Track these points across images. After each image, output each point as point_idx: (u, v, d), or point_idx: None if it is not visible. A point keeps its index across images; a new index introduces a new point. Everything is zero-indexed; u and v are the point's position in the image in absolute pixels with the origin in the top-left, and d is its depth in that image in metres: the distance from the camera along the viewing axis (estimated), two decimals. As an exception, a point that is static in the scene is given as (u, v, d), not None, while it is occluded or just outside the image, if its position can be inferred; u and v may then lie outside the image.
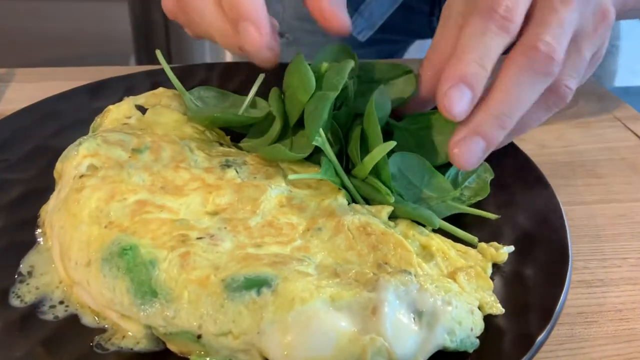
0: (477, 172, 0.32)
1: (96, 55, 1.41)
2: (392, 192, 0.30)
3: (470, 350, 0.24)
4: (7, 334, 0.24)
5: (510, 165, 0.33)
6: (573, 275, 0.29)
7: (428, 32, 0.64)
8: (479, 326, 0.24)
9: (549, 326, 0.24)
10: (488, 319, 0.25)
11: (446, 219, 0.30)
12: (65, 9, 1.71)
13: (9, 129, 0.36)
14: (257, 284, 0.23)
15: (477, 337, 0.24)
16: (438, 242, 0.28)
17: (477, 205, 0.31)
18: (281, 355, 0.23)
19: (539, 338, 0.24)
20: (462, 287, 0.26)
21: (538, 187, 0.32)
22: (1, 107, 0.41)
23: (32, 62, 0.81)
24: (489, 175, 0.32)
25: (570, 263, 0.27)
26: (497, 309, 0.25)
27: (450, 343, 0.23)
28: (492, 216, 0.30)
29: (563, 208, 0.30)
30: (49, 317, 0.25)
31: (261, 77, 0.35)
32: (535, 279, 0.27)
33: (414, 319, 0.23)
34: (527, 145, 0.39)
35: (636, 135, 0.41)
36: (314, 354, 0.22)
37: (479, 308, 0.25)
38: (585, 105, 0.44)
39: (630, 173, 0.37)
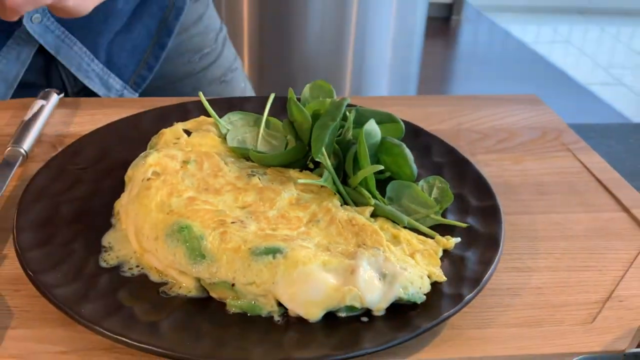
0: (436, 185, 0.45)
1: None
2: (374, 197, 0.43)
3: (419, 302, 0.36)
4: (100, 283, 0.37)
5: (469, 182, 0.46)
6: (507, 263, 0.42)
7: None
8: (426, 287, 0.37)
9: (476, 290, 0.37)
10: (434, 284, 0.37)
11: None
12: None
13: (85, 144, 0.49)
14: (272, 251, 0.36)
15: (425, 295, 0.36)
16: (405, 233, 0.41)
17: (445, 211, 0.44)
18: (288, 299, 0.35)
19: (467, 297, 0.36)
20: (417, 262, 0.38)
21: (486, 198, 0.44)
22: (72, 130, 0.55)
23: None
24: (444, 185, 0.45)
25: (500, 251, 0.40)
26: (441, 278, 0.38)
27: (404, 295, 0.36)
28: (462, 225, 0.43)
29: (504, 214, 0.43)
30: (127, 275, 0.38)
31: (272, 96, 0.49)
32: (472, 260, 0.39)
33: (379, 278, 0.36)
34: (491, 169, 0.52)
35: (582, 163, 0.53)
36: (310, 299, 0.35)
37: (428, 277, 0.37)
38: (546, 138, 0.57)
39: (571, 192, 0.50)
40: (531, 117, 0.60)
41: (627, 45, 4.04)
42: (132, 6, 0.69)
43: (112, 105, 0.59)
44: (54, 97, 0.57)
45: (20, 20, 0.62)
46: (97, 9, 0.52)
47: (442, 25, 3.83)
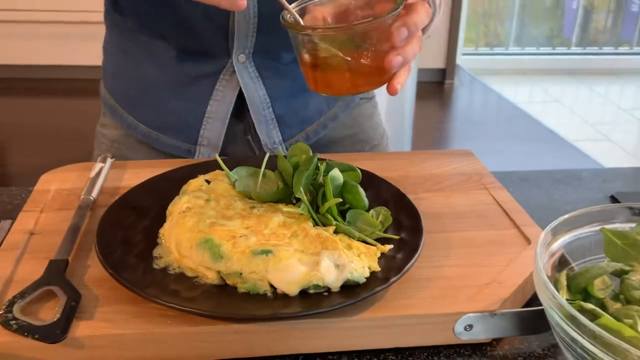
0: (381, 212, 0.66)
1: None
2: (336, 220, 0.64)
3: (360, 282, 0.57)
4: (156, 277, 0.58)
5: (404, 210, 0.67)
6: (426, 262, 0.62)
7: None
8: (366, 274, 0.57)
9: (399, 275, 0.57)
10: (373, 272, 0.58)
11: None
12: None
13: (135, 192, 0.71)
14: (266, 252, 0.57)
15: (365, 278, 0.57)
16: (356, 243, 0.62)
17: (386, 229, 0.65)
18: (276, 282, 0.56)
19: (392, 279, 0.57)
20: (361, 259, 0.59)
21: (415, 220, 0.66)
22: (123, 183, 0.77)
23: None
24: (387, 212, 0.66)
25: (418, 252, 0.60)
26: (377, 268, 0.58)
27: (351, 277, 0.56)
28: (395, 237, 0.64)
29: (425, 231, 0.64)
30: (172, 272, 0.59)
31: (267, 155, 0.71)
32: (399, 259, 0.60)
33: (335, 267, 0.57)
34: (425, 202, 0.73)
35: (493, 197, 0.75)
36: (290, 280, 0.56)
37: (368, 268, 0.58)
38: (470, 180, 0.79)
39: (480, 217, 0.71)
40: (462, 166, 0.82)
41: (616, 103, 4.29)
42: None
43: (150, 165, 0.82)
44: (109, 161, 0.79)
45: (228, 62, 0.85)
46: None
47: (437, 89, 4.12)
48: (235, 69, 0.85)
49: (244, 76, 0.86)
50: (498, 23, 5.03)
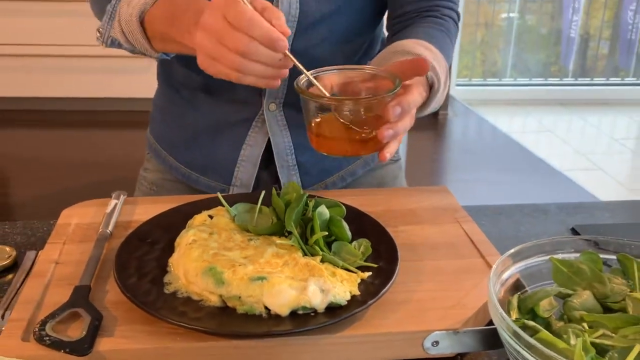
0: (362, 244, 0.76)
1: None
2: (322, 251, 0.74)
3: (342, 304, 0.66)
4: (166, 300, 0.68)
5: (383, 242, 0.77)
6: (400, 287, 0.72)
7: None
8: (347, 297, 0.67)
9: (375, 298, 0.67)
10: (353, 296, 0.68)
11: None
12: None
13: (147, 226, 0.81)
14: (261, 278, 0.67)
15: (346, 301, 0.67)
16: (339, 271, 0.72)
17: (367, 258, 0.75)
18: (270, 304, 0.66)
19: (370, 302, 0.67)
20: (343, 284, 0.69)
21: (392, 251, 0.76)
22: (135, 217, 0.87)
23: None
24: (367, 244, 0.76)
25: (393, 279, 0.70)
26: (356, 292, 0.68)
27: (334, 300, 0.66)
28: (374, 265, 0.74)
29: (401, 260, 0.74)
30: (180, 297, 0.69)
31: (262, 193, 0.81)
32: (377, 284, 0.70)
33: (320, 291, 0.66)
34: (402, 234, 0.83)
35: (463, 230, 0.85)
36: (281, 303, 0.66)
37: (350, 292, 0.68)
38: (445, 214, 0.89)
39: (451, 247, 0.81)
40: (438, 201, 0.93)
41: (608, 133, 4.40)
42: None
43: (157, 202, 0.92)
44: (122, 197, 0.90)
45: (260, 110, 0.96)
46: None
47: (431, 119, 4.23)
48: (266, 116, 0.97)
49: (273, 123, 0.97)
50: (495, 50, 5.17)
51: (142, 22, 0.78)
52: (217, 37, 0.67)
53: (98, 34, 0.84)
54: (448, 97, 4.32)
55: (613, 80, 4.97)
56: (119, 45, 0.84)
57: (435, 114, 4.31)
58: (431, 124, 4.24)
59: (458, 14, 0.97)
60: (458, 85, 4.63)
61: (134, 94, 3.75)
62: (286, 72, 0.73)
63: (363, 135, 0.74)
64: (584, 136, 4.33)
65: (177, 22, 0.74)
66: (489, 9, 5.09)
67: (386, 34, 1.03)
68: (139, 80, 3.50)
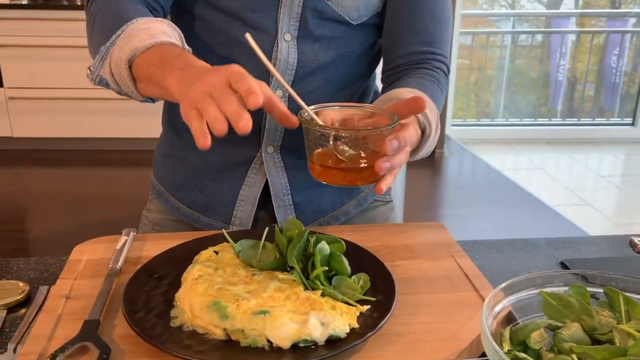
0: (361, 278, 0.76)
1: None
2: (323, 285, 0.74)
3: (342, 337, 0.66)
4: (172, 333, 0.68)
5: (381, 276, 0.77)
6: (397, 320, 0.72)
7: None
8: (347, 330, 0.67)
9: (373, 331, 0.67)
10: (352, 329, 0.67)
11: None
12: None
13: (155, 261, 0.81)
14: (263, 312, 0.67)
15: (345, 334, 0.66)
16: (339, 304, 0.71)
17: (366, 292, 0.75)
18: (272, 337, 0.65)
19: (368, 334, 0.66)
20: (343, 317, 0.69)
21: (389, 285, 0.75)
22: (144, 253, 0.87)
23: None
24: (366, 278, 0.76)
25: (390, 312, 0.70)
26: (355, 325, 0.68)
27: (334, 332, 0.66)
28: (372, 299, 0.74)
29: (398, 294, 0.73)
30: (185, 330, 0.69)
31: (266, 230, 0.81)
32: (375, 317, 0.69)
33: (320, 324, 0.66)
34: (399, 268, 0.83)
35: (458, 264, 0.85)
36: (283, 336, 0.65)
37: (349, 325, 0.68)
38: (440, 249, 0.89)
39: (446, 281, 0.81)
40: (433, 237, 0.93)
41: (595, 171, 4.41)
42: None
43: (166, 238, 0.92)
44: (132, 234, 0.90)
45: (258, 152, 0.97)
46: None
47: (428, 157, 4.23)
48: (264, 159, 0.97)
49: (270, 165, 0.98)
50: (488, 92, 5.23)
51: (130, 67, 0.79)
52: (210, 92, 0.66)
53: (89, 72, 0.84)
54: (444, 136, 4.35)
55: (598, 120, 5.01)
56: (107, 85, 0.84)
57: (432, 153, 4.33)
58: (428, 162, 4.26)
59: (448, 67, 0.98)
60: (453, 125, 4.66)
61: (142, 135, 3.79)
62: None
63: (361, 166, 0.74)
64: (572, 173, 4.35)
65: (162, 65, 0.75)
66: (481, 54, 5.17)
67: (378, 85, 1.05)
68: (146, 122, 3.53)
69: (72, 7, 3.76)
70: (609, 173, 4.33)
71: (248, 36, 0.73)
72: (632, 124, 4.88)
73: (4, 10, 3.65)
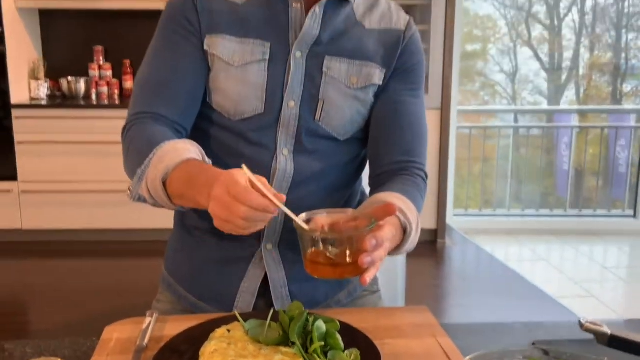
0: (353, 353, 0.91)
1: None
2: (319, 358, 0.89)
3: (335, 400, 0.81)
4: (192, 398, 0.82)
5: (370, 352, 0.92)
6: (385, 389, 0.86)
7: None
8: (339, 394, 0.82)
9: (362, 395, 0.82)
10: (344, 394, 0.82)
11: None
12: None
13: (176, 340, 0.97)
14: (270, 379, 0.82)
15: (338, 398, 0.81)
16: (333, 374, 0.86)
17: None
18: (276, 400, 0.80)
19: (357, 398, 0.81)
20: (336, 384, 0.84)
21: (377, 358, 0.90)
22: (166, 333, 1.03)
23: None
24: (357, 352, 0.91)
25: (377, 380, 0.85)
26: (347, 391, 0.83)
27: (329, 394, 0.81)
28: (363, 371, 0.89)
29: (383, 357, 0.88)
30: (204, 395, 0.84)
31: (271, 311, 0.97)
32: (363, 384, 0.84)
33: (317, 390, 0.81)
34: (387, 346, 0.98)
35: (438, 342, 1.00)
36: (286, 399, 0.80)
37: (341, 390, 0.83)
38: (422, 330, 1.04)
39: (427, 358, 0.96)
40: (418, 320, 1.08)
41: (600, 262, 4.53)
42: None
43: (185, 319, 1.08)
44: (155, 315, 1.06)
45: (259, 249, 1.13)
46: None
47: (430, 247, 4.39)
48: (263, 254, 1.15)
49: (269, 260, 1.16)
50: (492, 181, 5.42)
51: (164, 183, 0.99)
52: (225, 207, 0.85)
53: (128, 192, 1.04)
54: (445, 226, 4.51)
55: (600, 212, 5.17)
56: (145, 201, 1.04)
57: (433, 242, 4.48)
58: (430, 252, 4.39)
59: (426, 173, 1.19)
60: (455, 215, 4.84)
61: (148, 226, 3.98)
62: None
63: (347, 262, 0.92)
64: (576, 265, 4.47)
65: (192, 183, 0.95)
66: (481, 144, 5.41)
67: (365, 188, 1.24)
68: (157, 213, 3.72)
69: (88, 106, 4.07)
70: (614, 265, 4.45)
71: (249, 172, 0.92)
72: (634, 216, 5.04)
73: (24, 110, 3.95)
